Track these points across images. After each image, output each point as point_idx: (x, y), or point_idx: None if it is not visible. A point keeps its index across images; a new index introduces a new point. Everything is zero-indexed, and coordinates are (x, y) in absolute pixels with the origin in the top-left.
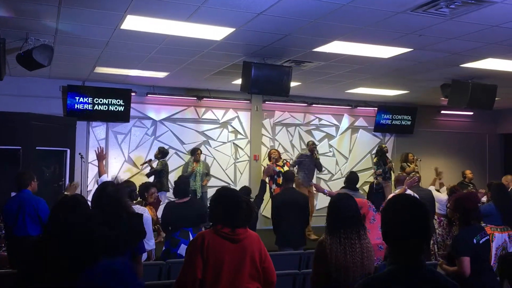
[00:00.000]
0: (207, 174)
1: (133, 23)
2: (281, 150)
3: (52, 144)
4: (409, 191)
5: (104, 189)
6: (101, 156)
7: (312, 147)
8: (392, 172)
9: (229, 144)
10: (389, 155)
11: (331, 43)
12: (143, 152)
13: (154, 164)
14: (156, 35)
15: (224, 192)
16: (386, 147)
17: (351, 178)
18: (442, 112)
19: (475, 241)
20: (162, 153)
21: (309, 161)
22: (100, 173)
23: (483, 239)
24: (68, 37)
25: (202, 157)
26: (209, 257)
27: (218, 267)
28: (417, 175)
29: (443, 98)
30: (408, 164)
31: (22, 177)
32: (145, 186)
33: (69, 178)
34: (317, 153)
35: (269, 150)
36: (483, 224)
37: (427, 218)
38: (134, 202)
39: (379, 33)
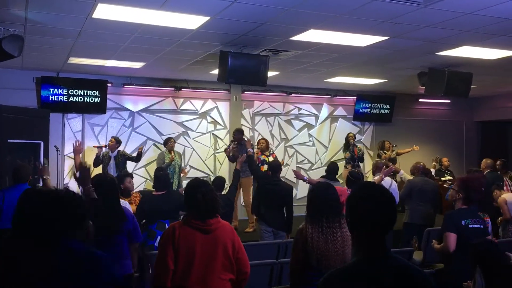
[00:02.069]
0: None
1: (104, 11)
2: None
3: (25, 136)
4: (387, 179)
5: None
6: (78, 150)
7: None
8: (361, 162)
9: (208, 135)
10: (368, 144)
11: (307, 32)
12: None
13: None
14: (129, 24)
15: (188, 184)
16: (352, 136)
17: (332, 169)
18: (420, 100)
19: (463, 222)
20: (119, 142)
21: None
22: (76, 167)
23: (475, 225)
24: (39, 27)
25: (181, 149)
26: (180, 248)
27: (190, 258)
28: (388, 163)
29: (420, 87)
30: (384, 151)
31: (23, 171)
32: (120, 177)
33: None
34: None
35: (258, 139)
36: None
37: (394, 207)
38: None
39: (355, 21)
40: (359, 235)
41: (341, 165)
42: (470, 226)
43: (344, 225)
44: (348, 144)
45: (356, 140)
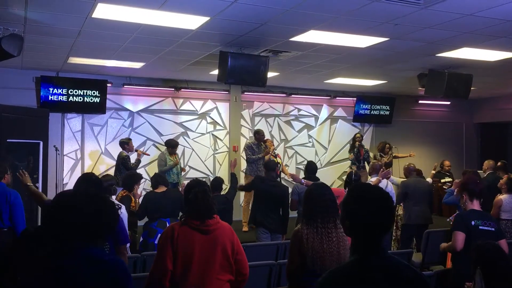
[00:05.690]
0: None
1: (104, 11)
2: None
3: (24, 136)
4: (383, 181)
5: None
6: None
7: (258, 136)
8: (368, 162)
9: (208, 135)
10: (367, 145)
11: (307, 32)
12: None
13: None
14: (129, 24)
15: (186, 184)
16: (358, 136)
17: (311, 167)
18: (420, 101)
19: (473, 223)
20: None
21: (258, 151)
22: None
23: (485, 227)
24: (38, 26)
25: (180, 149)
26: (178, 248)
27: (188, 258)
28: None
29: (420, 88)
30: (381, 154)
31: None
32: (137, 177)
33: (43, 171)
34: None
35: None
36: None
37: (391, 208)
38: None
39: (355, 22)
40: (357, 236)
41: (345, 165)
42: (480, 227)
43: (339, 225)
44: (353, 145)
45: None
